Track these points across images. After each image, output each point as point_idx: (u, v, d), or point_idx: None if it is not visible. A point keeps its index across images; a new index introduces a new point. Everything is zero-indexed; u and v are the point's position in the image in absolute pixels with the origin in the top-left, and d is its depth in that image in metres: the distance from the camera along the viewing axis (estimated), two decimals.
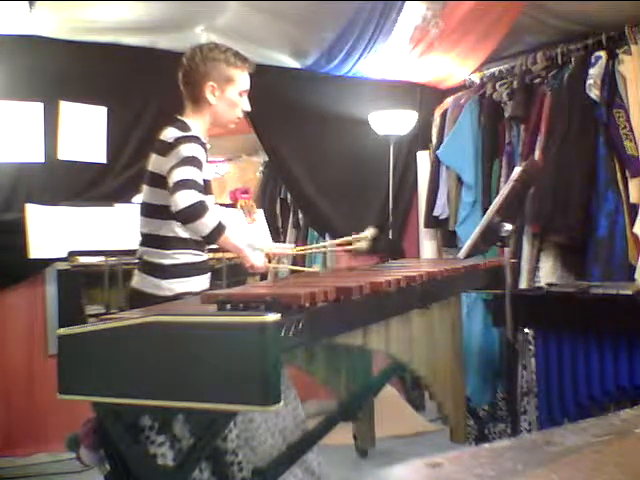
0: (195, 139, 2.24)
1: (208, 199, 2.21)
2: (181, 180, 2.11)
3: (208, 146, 2.36)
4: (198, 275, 2.40)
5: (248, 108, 2.45)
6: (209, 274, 2.49)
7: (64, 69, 3.45)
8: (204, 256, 2.45)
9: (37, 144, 3.38)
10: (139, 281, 2.35)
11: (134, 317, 1.73)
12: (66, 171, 3.50)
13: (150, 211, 2.34)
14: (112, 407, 1.76)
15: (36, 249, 3.26)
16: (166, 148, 2.23)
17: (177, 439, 2.10)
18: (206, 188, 2.24)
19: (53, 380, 1.76)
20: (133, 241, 3.55)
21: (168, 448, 2.07)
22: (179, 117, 2.36)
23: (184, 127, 2.29)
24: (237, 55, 2.38)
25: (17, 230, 3.24)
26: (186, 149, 2.19)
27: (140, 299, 2.24)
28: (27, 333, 3.51)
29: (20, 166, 3.37)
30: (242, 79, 2.39)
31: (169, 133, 2.27)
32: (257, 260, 2.31)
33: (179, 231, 2.31)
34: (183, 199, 2.07)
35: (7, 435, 3.37)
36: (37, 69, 3.40)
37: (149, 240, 2.35)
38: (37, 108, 3.37)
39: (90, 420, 2.28)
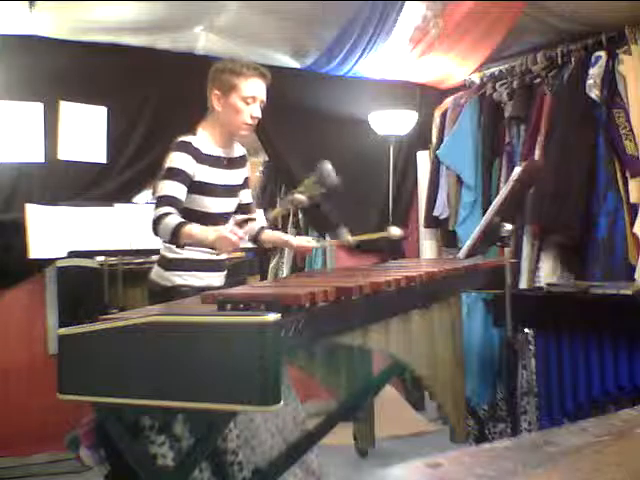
0: (182, 146, 2.37)
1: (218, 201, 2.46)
2: (158, 196, 2.33)
3: (221, 154, 2.48)
4: (200, 271, 2.49)
5: (256, 114, 2.44)
6: (221, 272, 2.59)
7: (64, 69, 3.45)
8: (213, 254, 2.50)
9: (37, 144, 3.38)
10: (153, 270, 2.53)
11: (134, 317, 1.73)
12: (66, 171, 3.50)
13: None
14: (112, 407, 1.76)
15: (36, 249, 3.25)
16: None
17: (177, 439, 2.10)
18: (216, 191, 2.45)
19: (53, 380, 1.76)
20: (133, 241, 3.54)
21: (168, 448, 2.07)
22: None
23: (193, 134, 2.44)
24: (243, 65, 2.41)
25: (17, 230, 3.24)
26: (169, 159, 2.37)
27: (150, 286, 2.51)
28: (27, 333, 3.51)
29: (20, 166, 3.37)
30: (245, 86, 2.40)
31: (179, 138, 2.42)
32: (222, 245, 2.21)
33: None
34: (153, 215, 2.27)
35: (7, 435, 3.37)
36: (37, 69, 3.39)
37: None
38: (37, 108, 3.37)
39: (90, 420, 2.28)
